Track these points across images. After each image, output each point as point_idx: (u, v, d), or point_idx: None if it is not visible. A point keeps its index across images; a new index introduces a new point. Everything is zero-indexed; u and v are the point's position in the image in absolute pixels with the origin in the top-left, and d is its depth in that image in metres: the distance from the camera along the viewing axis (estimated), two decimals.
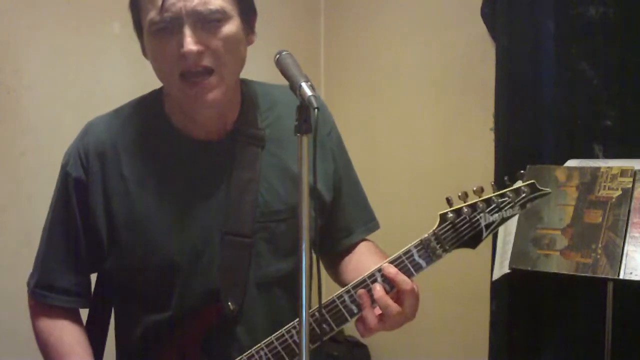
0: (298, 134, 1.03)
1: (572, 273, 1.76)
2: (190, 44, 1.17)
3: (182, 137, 1.31)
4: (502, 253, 1.96)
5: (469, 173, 2.57)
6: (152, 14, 1.19)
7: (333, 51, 3.12)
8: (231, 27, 1.22)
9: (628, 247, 1.70)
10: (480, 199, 1.22)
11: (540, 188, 1.22)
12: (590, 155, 2.09)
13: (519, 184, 1.24)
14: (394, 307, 1.18)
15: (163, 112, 1.34)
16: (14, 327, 2.27)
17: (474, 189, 1.22)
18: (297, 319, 1.15)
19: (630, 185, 1.76)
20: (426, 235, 1.22)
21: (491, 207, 1.21)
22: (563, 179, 1.88)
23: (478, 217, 1.21)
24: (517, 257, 1.87)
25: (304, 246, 1.04)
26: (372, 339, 3.00)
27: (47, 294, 1.35)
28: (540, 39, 2.23)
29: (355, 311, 1.22)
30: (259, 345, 1.25)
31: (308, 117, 1.02)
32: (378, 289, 1.20)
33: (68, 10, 2.34)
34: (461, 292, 2.59)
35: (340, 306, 1.22)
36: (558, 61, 2.20)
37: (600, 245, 1.74)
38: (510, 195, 1.22)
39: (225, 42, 1.21)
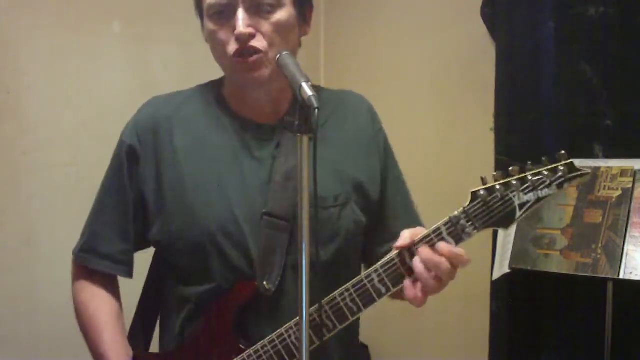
0: (298, 134, 1.04)
1: (572, 273, 1.76)
2: (242, 26, 1.25)
3: (234, 116, 1.37)
4: (502, 253, 1.96)
5: (468, 173, 2.56)
6: None
7: (333, 51, 3.12)
8: (283, 14, 1.28)
9: (628, 247, 1.70)
10: (515, 177, 1.16)
11: (579, 168, 1.16)
12: (590, 155, 2.09)
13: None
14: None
15: (221, 94, 1.40)
16: (14, 327, 2.27)
17: (510, 168, 1.17)
18: (330, 296, 1.21)
19: (630, 185, 1.76)
20: (456, 212, 1.19)
21: (526, 186, 1.16)
22: None
23: (511, 195, 1.16)
24: (517, 257, 1.87)
25: (304, 246, 1.05)
26: (372, 339, 3.00)
27: (90, 258, 1.40)
28: (540, 39, 2.23)
29: (384, 291, 1.22)
30: (288, 324, 1.25)
31: (308, 117, 1.03)
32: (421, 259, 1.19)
33: (68, 10, 2.34)
34: (461, 292, 2.58)
35: (369, 286, 1.22)
36: (558, 61, 2.20)
37: (600, 245, 1.74)
38: (547, 174, 1.16)
39: (276, 27, 1.28)
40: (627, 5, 2.05)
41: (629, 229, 1.72)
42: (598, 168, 1.84)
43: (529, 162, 1.18)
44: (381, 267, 1.22)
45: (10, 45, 2.23)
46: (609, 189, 1.80)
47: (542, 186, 1.16)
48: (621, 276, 1.69)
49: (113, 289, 1.43)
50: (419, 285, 1.20)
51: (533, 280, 2.11)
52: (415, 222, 1.46)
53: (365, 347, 2.95)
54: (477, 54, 2.51)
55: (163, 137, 1.35)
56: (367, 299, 1.22)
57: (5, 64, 2.23)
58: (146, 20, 2.52)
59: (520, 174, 1.17)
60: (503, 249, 1.96)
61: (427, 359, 2.75)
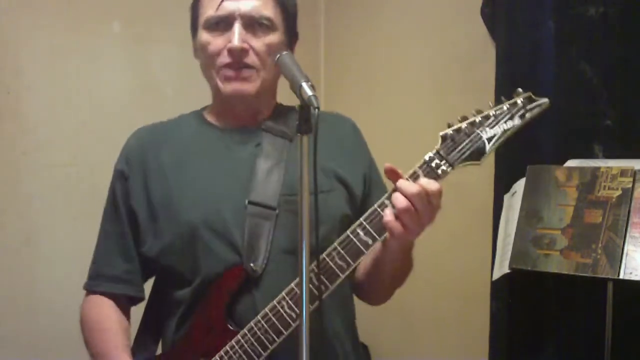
0: (298, 134, 1.04)
1: (572, 273, 1.76)
2: (237, 40, 1.31)
3: (218, 128, 1.44)
4: (502, 253, 1.96)
5: (469, 173, 2.57)
6: (210, 12, 1.34)
7: (333, 51, 3.12)
8: (275, 37, 1.36)
9: (628, 247, 1.70)
10: (478, 115, 1.26)
11: (536, 98, 1.26)
12: (590, 155, 2.09)
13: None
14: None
15: (202, 116, 1.48)
16: (14, 327, 2.27)
17: (473, 111, 1.27)
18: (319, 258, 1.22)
19: (630, 185, 1.76)
20: (429, 154, 1.27)
21: (489, 121, 1.26)
22: (563, 179, 1.88)
23: (478, 131, 1.26)
24: (517, 257, 1.87)
25: (304, 246, 1.05)
26: (372, 339, 3.00)
27: (97, 283, 1.44)
28: (540, 39, 2.23)
29: (370, 242, 1.25)
30: (280, 295, 1.27)
31: (309, 117, 1.04)
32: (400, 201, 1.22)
33: (68, 10, 2.34)
34: (461, 292, 2.59)
35: (355, 240, 1.25)
36: (558, 61, 2.20)
37: (600, 245, 1.74)
38: (507, 107, 1.26)
39: (268, 48, 1.34)
40: (627, 5, 2.05)
41: (629, 229, 1.72)
42: (598, 168, 1.84)
43: (490, 102, 1.28)
44: (365, 219, 1.25)
45: (10, 45, 2.24)
46: (609, 189, 1.79)
47: (505, 118, 1.26)
48: (621, 276, 1.68)
49: (122, 311, 1.45)
50: (396, 211, 1.23)
51: (533, 280, 2.11)
52: None
53: (365, 347, 2.95)
54: (477, 54, 2.51)
55: (150, 156, 1.40)
56: (355, 253, 1.25)
57: (5, 64, 2.23)
58: (146, 20, 2.52)
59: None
60: (503, 249, 1.96)
61: (426, 359, 2.75)
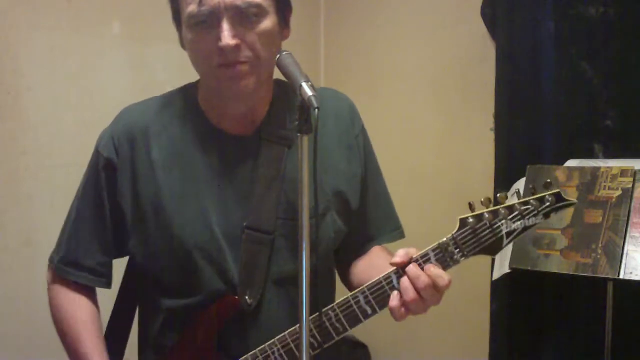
0: (299, 134, 1.04)
1: (572, 273, 1.76)
2: (227, 37, 1.21)
3: (211, 129, 1.34)
4: (502, 253, 1.96)
5: (469, 173, 2.57)
6: (191, 7, 1.23)
7: (333, 51, 3.12)
8: (267, 22, 1.25)
9: (628, 247, 1.70)
10: (503, 205, 1.18)
11: (566, 198, 1.18)
12: (590, 155, 2.09)
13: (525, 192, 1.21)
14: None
15: (196, 104, 1.37)
16: (14, 326, 2.27)
17: (498, 195, 1.18)
18: (314, 315, 1.19)
19: (630, 185, 1.76)
20: (444, 239, 1.19)
21: (513, 215, 1.17)
22: (563, 179, 1.88)
23: (499, 223, 1.18)
24: (517, 256, 1.87)
25: (304, 246, 1.05)
26: (372, 339, 3.00)
27: (71, 271, 1.39)
28: (540, 39, 2.23)
29: (369, 312, 1.21)
30: (272, 341, 1.25)
31: (308, 117, 1.03)
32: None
33: (68, 10, 2.34)
34: (461, 292, 2.58)
35: (355, 307, 1.22)
36: (558, 61, 2.20)
37: (600, 245, 1.74)
38: (534, 203, 1.17)
39: (261, 37, 1.24)
40: (627, 5, 2.05)
41: (629, 229, 1.72)
42: (598, 168, 1.84)
43: (517, 189, 1.19)
44: (368, 288, 1.21)
45: (10, 45, 2.23)
46: (609, 189, 1.80)
47: (529, 215, 1.17)
48: (621, 276, 1.69)
49: (90, 295, 1.42)
50: (402, 300, 1.20)
51: (533, 280, 2.11)
52: (395, 228, 1.50)
53: (365, 347, 2.95)
54: (477, 54, 2.51)
55: (140, 150, 1.33)
56: (353, 320, 1.22)
57: (5, 64, 2.23)
58: (146, 20, 2.52)
59: (505, 200, 1.18)
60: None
61: (427, 359, 2.75)
